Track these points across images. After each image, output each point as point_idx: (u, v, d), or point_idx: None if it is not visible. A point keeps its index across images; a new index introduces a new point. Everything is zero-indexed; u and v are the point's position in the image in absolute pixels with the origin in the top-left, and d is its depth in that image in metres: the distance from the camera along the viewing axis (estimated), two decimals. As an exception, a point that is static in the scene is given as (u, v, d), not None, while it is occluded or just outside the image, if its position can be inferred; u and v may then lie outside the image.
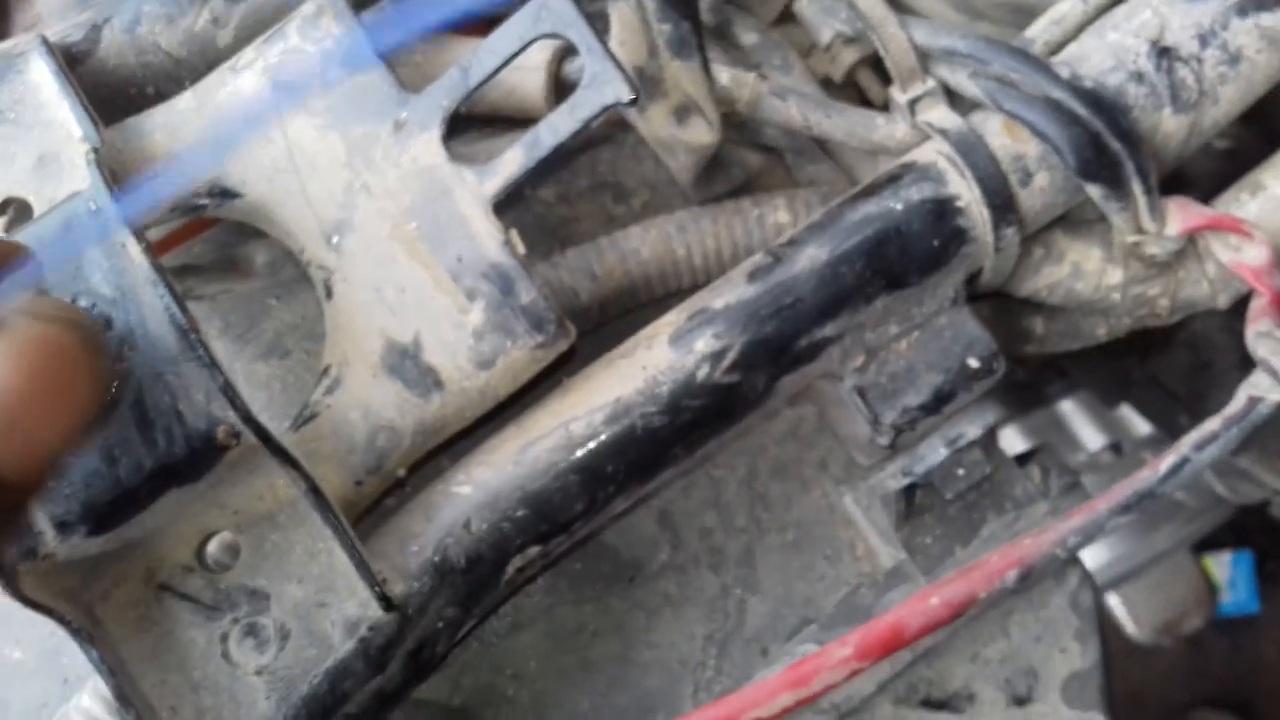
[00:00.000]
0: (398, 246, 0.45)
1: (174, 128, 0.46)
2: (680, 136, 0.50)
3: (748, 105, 0.51)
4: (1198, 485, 0.97)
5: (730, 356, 0.45)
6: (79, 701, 0.44)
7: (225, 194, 0.45)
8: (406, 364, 0.44)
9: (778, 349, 0.46)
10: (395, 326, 0.44)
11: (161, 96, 0.48)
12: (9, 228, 0.43)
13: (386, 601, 0.41)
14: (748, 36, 0.57)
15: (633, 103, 0.43)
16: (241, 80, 0.45)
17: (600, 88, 0.43)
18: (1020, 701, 0.56)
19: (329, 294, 0.45)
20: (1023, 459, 0.57)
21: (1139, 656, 1.33)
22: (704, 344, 0.45)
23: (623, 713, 0.51)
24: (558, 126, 0.43)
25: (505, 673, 0.51)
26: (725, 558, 0.54)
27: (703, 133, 0.50)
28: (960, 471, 0.51)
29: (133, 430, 0.39)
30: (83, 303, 0.38)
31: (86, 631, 0.40)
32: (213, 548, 0.42)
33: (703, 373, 0.45)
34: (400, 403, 0.44)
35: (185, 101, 0.46)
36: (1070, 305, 0.55)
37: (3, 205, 0.44)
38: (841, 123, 0.51)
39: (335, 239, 0.45)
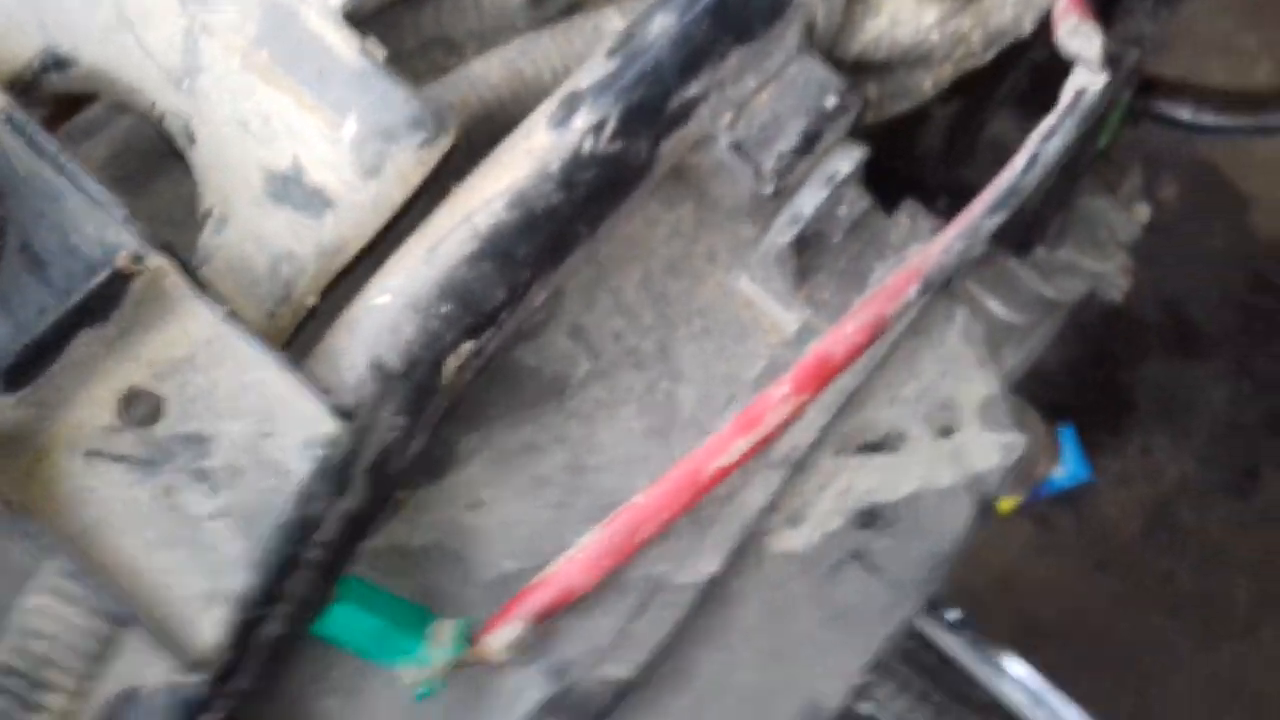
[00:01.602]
0: (253, 77, 0.44)
1: (-10, 8, 0.43)
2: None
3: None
4: (1025, 300, 1.03)
5: (610, 126, 0.46)
6: (24, 604, 0.41)
7: (59, 64, 0.44)
8: (290, 189, 0.43)
9: (652, 111, 0.47)
10: (269, 155, 0.43)
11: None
12: None
13: (340, 410, 0.40)
14: None
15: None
16: (51, -55, 0.44)
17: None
18: (945, 432, 0.59)
19: (191, 139, 0.44)
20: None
21: (996, 537, 1.38)
22: (582, 120, 0.46)
23: (584, 516, 0.51)
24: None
25: (460, 504, 0.50)
26: (643, 355, 0.55)
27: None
28: (842, 209, 0.54)
29: (25, 276, 0.37)
30: None
31: (26, 511, 0.38)
32: (133, 404, 0.40)
33: (587, 145, 0.46)
34: (294, 228, 0.43)
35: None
36: (896, 58, 0.59)
37: None
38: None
39: (185, 83, 0.44)
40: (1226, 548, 1.45)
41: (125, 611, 0.40)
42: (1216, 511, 1.47)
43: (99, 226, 0.37)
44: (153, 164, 0.49)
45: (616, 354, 0.55)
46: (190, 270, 0.39)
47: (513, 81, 0.53)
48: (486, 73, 0.53)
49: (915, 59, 0.60)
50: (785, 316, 0.56)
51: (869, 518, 0.57)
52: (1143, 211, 1.09)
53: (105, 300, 0.38)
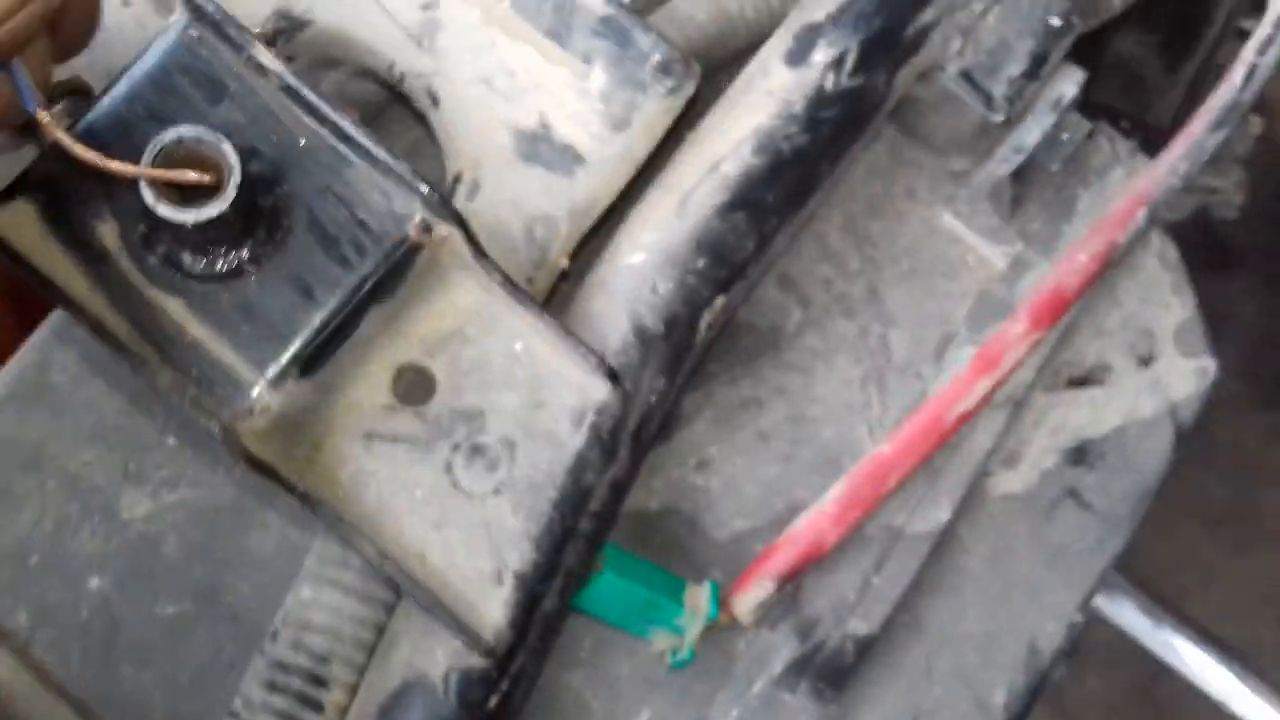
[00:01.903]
0: (495, 31, 0.41)
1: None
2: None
3: None
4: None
5: (850, 60, 0.44)
6: (301, 595, 0.40)
7: (294, 26, 0.41)
8: (540, 147, 0.42)
9: (890, 42, 0.45)
10: (517, 113, 0.41)
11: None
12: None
13: (611, 374, 0.39)
14: None
15: None
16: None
17: None
18: (1145, 361, 0.58)
19: (434, 101, 0.42)
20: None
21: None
22: (821, 54, 0.44)
23: (810, 469, 0.50)
24: None
25: (690, 464, 0.49)
26: (853, 301, 0.53)
27: None
28: (1065, 136, 0.52)
29: (318, 253, 0.35)
30: (194, 132, 0.34)
31: (313, 496, 0.37)
32: (406, 381, 0.39)
33: (830, 82, 0.44)
34: (546, 187, 0.41)
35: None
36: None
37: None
38: None
39: (425, 41, 0.41)
40: (1259, 459, 1.46)
41: (405, 597, 0.39)
42: (1249, 423, 1.47)
43: (386, 195, 0.36)
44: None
45: (826, 301, 0.53)
46: (475, 239, 0.37)
47: (719, 18, 0.51)
48: (693, 10, 0.50)
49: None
50: (994, 251, 0.54)
51: (1079, 454, 0.56)
52: (1256, 122, 1.05)
53: (394, 274, 0.36)
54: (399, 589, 0.40)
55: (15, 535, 0.44)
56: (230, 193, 0.32)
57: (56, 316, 0.46)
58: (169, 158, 0.32)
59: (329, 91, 0.47)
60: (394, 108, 0.46)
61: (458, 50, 0.41)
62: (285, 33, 0.41)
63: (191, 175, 0.32)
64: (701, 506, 0.49)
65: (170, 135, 0.32)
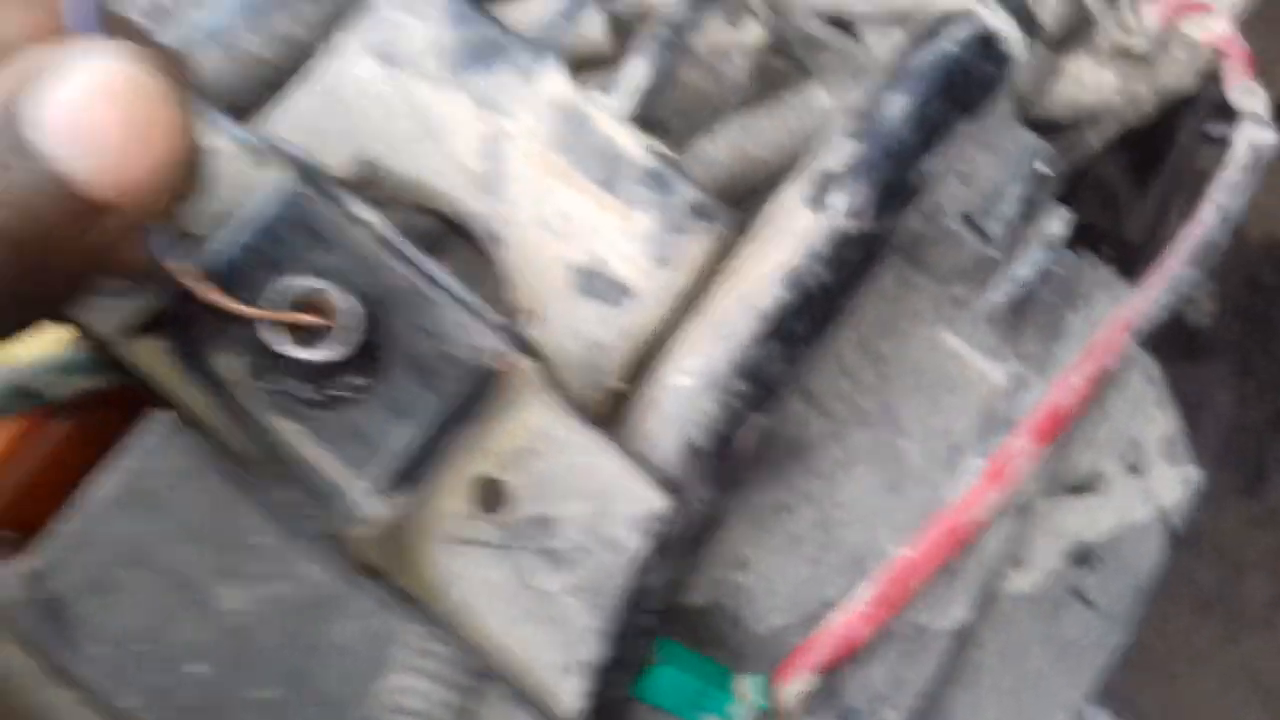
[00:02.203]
0: (551, 179, 0.47)
1: (298, 124, 0.46)
2: (736, 38, 0.55)
3: (781, 1, 0.56)
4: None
5: (865, 206, 0.50)
6: (393, 681, 0.43)
7: (368, 178, 0.47)
8: (595, 282, 0.47)
9: (899, 189, 0.51)
10: (572, 252, 0.47)
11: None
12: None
13: (668, 486, 0.43)
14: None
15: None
16: (349, 65, 0.47)
17: (702, -13, 0.47)
18: (1135, 470, 0.62)
19: (497, 241, 0.47)
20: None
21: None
22: (839, 201, 0.50)
23: (837, 570, 0.54)
24: (669, 25, 0.47)
25: (729, 563, 0.53)
26: (869, 414, 0.58)
27: (753, 31, 0.55)
28: (1058, 269, 0.57)
29: (412, 382, 0.40)
30: (317, 283, 0.38)
31: (410, 597, 0.40)
32: (484, 492, 0.43)
33: (847, 225, 0.49)
34: (601, 318, 0.46)
35: (301, 96, 0.47)
36: (1079, 116, 0.63)
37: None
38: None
39: (489, 187, 0.47)
40: (1240, 545, 1.50)
41: (486, 679, 0.43)
42: (1229, 510, 1.52)
43: (468, 331, 0.40)
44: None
45: (845, 413, 0.58)
46: (544, 367, 0.42)
47: (740, 160, 0.57)
48: (716, 153, 0.56)
49: (1088, 118, 0.64)
50: (994, 368, 0.60)
51: (1081, 556, 0.60)
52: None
53: (475, 399, 0.41)
54: (480, 676, 0.43)
55: (124, 625, 0.46)
56: (350, 334, 0.37)
57: (154, 426, 0.49)
58: (288, 300, 0.37)
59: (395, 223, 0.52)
60: (450, 236, 0.51)
61: (519, 196, 0.47)
62: (363, 176, 0.46)
63: (314, 319, 0.37)
64: (742, 603, 0.53)
65: (298, 284, 0.37)
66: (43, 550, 0.47)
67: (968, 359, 0.60)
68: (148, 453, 0.49)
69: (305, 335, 0.38)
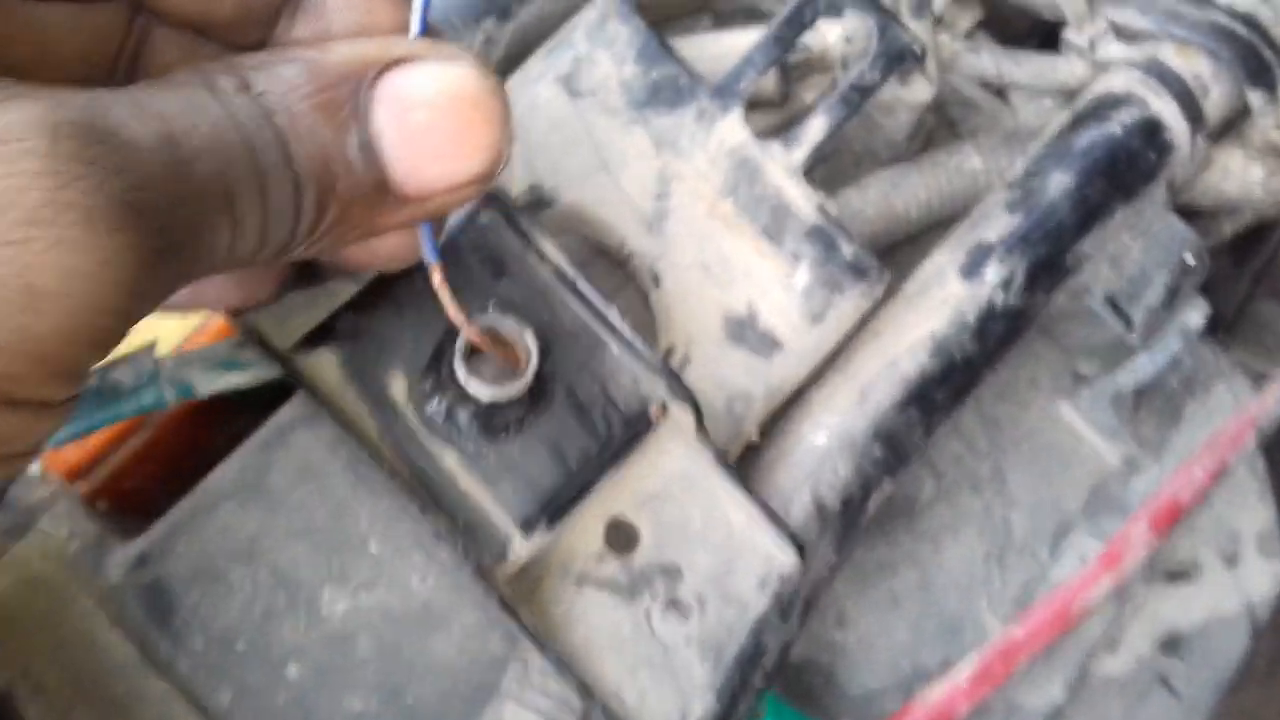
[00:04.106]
0: (717, 224, 0.47)
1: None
2: (903, 96, 0.54)
3: (947, 61, 0.55)
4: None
5: (1018, 281, 0.50)
6: (503, 713, 0.44)
7: (540, 203, 0.47)
8: (746, 332, 0.47)
9: (1051, 268, 0.51)
10: (728, 299, 0.47)
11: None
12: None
13: (799, 547, 0.43)
14: None
15: (919, 58, 0.47)
16: (537, 91, 0.47)
17: (890, 46, 0.46)
18: (1231, 561, 0.62)
19: (656, 281, 0.47)
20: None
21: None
22: (993, 273, 0.49)
23: (934, 635, 0.54)
24: (857, 88, 0.46)
25: (829, 620, 0.53)
26: (980, 480, 0.58)
27: (923, 90, 0.54)
28: (1187, 361, 0.57)
29: (571, 421, 0.40)
30: (508, 322, 0.38)
31: (540, 635, 0.41)
32: (616, 533, 0.43)
33: (999, 299, 0.49)
34: (747, 369, 0.46)
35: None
36: (1218, 206, 0.62)
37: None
38: (1030, 69, 0.56)
39: (655, 226, 0.47)
40: None
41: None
42: None
43: (634, 378, 0.40)
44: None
45: (957, 477, 0.58)
46: (700, 417, 0.42)
47: (885, 215, 0.57)
48: (863, 205, 0.56)
49: (1228, 208, 0.63)
50: (1109, 448, 0.59)
51: (1171, 645, 0.60)
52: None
53: (631, 444, 0.41)
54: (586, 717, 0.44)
55: (227, 620, 0.47)
56: (529, 377, 0.37)
57: (275, 423, 0.50)
58: (479, 331, 0.37)
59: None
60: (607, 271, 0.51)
61: (683, 238, 0.47)
62: (534, 206, 0.47)
63: (513, 356, 0.37)
64: (838, 660, 0.53)
65: (484, 321, 0.37)
66: (152, 534, 0.48)
67: (1083, 435, 0.60)
68: (265, 454, 0.49)
69: (481, 366, 0.38)
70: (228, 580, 0.47)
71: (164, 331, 0.48)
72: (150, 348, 0.44)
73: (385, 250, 0.34)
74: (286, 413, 0.50)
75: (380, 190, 0.30)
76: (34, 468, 0.50)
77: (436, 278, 0.34)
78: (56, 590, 0.47)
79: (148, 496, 0.49)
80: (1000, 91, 0.62)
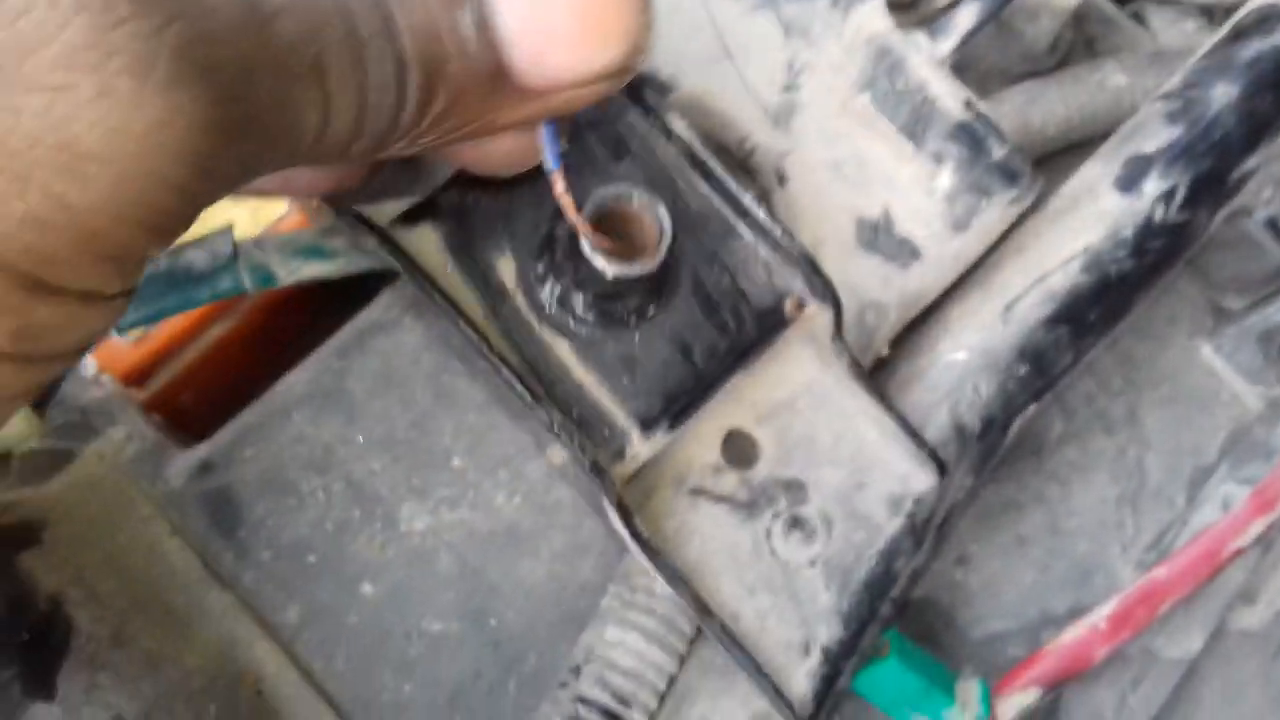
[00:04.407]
0: (850, 121, 0.43)
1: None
2: (1049, 1, 0.50)
3: (1099, -38, 0.51)
4: None
5: (1180, 195, 0.45)
6: (606, 634, 0.41)
7: (660, 89, 0.43)
8: (880, 238, 0.43)
9: (1215, 183, 0.46)
10: (861, 202, 0.43)
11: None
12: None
13: (940, 466, 0.40)
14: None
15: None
16: (661, -30, 0.43)
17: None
18: None
19: (781, 179, 0.43)
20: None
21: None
22: (1152, 186, 0.45)
23: (1063, 580, 0.50)
24: (1013, -27, 0.42)
25: (950, 559, 0.50)
26: (1112, 420, 0.54)
27: (1069, -8, 0.50)
28: (1347, 294, 0.52)
29: (699, 315, 0.37)
30: (631, 190, 0.35)
31: (653, 546, 0.38)
32: (735, 445, 0.40)
33: (1159, 213, 0.45)
34: (882, 277, 0.43)
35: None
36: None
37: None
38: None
39: (782, 121, 0.43)
40: None
41: (695, 655, 0.40)
42: None
43: (769, 269, 0.37)
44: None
45: (1088, 416, 0.54)
46: (840, 320, 0.38)
47: (1023, 128, 0.52)
48: (998, 118, 0.52)
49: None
50: (1250, 390, 0.55)
51: (1313, 603, 0.56)
52: None
53: (764, 342, 0.37)
54: (692, 642, 0.41)
55: (297, 533, 0.44)
56: (661, 254, 0.33)
57: (354, 327, 0.47)
58: (599, 210, 0.34)
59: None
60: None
61: (813, 134, 0.43)
62: (654, 95, 0.43)
63: (637, 243, 0.34)
64: (959, 602, 0.49)
65: (612, 190, 0.34)
66: (217, 440, 0.45)
67: (1223, 377, 0.56)
68: (344, 358, 0.46)
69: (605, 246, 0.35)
70: (299, 491, 0.45)
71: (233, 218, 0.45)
72: (228, 229, 0.41)
73: (499, 153, 0.30)
74: (367, 316, 0.47)
75: (497, 80, 0.26)
76: (89, 365, 0.47)
77: (559, 186, 0.30)
78: (114, 495, 0.44)
79: (204, 413, 0.47)
80: (1138, 15, 0.58)
